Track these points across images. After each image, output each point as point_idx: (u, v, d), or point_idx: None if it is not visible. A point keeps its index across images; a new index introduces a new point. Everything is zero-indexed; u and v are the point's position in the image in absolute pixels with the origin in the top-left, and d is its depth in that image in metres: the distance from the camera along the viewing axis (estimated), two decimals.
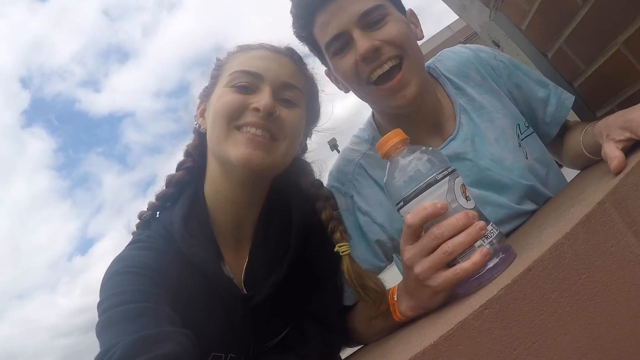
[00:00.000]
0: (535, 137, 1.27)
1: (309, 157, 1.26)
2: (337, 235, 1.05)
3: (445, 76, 1.29)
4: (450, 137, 1.20)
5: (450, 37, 25.29)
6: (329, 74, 1.26)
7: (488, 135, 1.20)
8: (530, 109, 1.30)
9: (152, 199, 1.12)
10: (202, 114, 1.14)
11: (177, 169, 1.13)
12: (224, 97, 1.02)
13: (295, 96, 1.08)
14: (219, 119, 1.01)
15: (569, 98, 1.29)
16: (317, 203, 1.12)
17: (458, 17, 1.95)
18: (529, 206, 1.18)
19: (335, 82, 1.26)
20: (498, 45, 1.76)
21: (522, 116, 1.27)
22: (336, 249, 1.03)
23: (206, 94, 1.13)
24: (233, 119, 1.00)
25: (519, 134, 1.23)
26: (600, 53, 1.18)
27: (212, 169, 1.08)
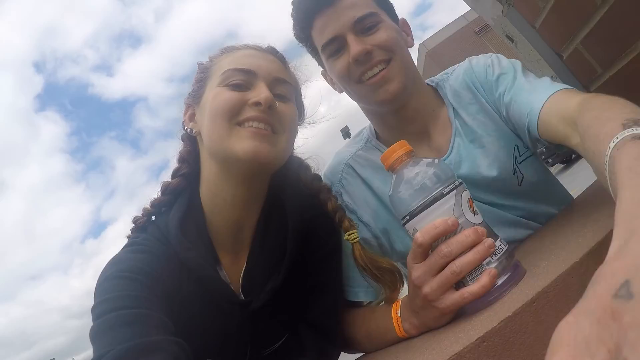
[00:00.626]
0: (534, 160, 1.21)
1: (306, 152, 1.25)
2: (346, 223, 1.08)
3: (448, 99, 1.27)
4: (443, 158, 1.20)
5: (464, 27, 25.03)
6: (324, 74, 1.32)
7: (480, 163, 1.17)
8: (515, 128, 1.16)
9: (147, 205, 1.10)
10: (191, 118, 1.12)
11: (173, 176, 1.11)
12: (220, 95, 1.00)
13: (288, 91, 1.09)
14: (219, 118, 0.99)
15: (534, 112, 1.00)
16: (321, 195, 1.14)
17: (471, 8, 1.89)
18: (526, 220, 1.19)
19: (331, 82, 1.31)
20: (512, 40, 1.70)
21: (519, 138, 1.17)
22: (346, 237, 1.05)
23: (194, 98, 1.11)
24: (233, 116, 0.98)
25: (517, 157, 1.18)
26: (619, 57, 1.11)
27: (208, 171, 1.06)
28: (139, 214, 1.09)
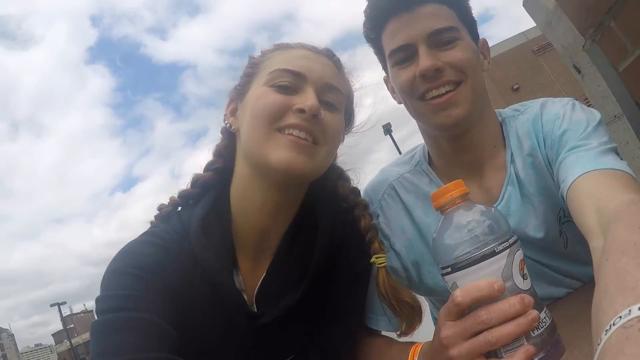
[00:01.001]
0: None
1: (346, 164, 1.17)
2: (376, 245, 1.02)
3: (509, 140, 1.14)
4: (496, 203, 1.09)
5: (523, 44, 24.34)
6: (387, 81, 1.21)
7: (528, 222, 1.07)
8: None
9: (175, 194, 1.05)
10: (233, 113, 1.06)
11: (206, 170, 1.06)
12: (265, 96, 0.94)
13: (337, 99, 1.01)
14: (260, 120, 0.93)
15: (567, 182, 0.88)
16: (356, 210, 1.07)
17: (540, 30, 1.79)
18: (568, 279, 1.10)
19: (392, 91, 1.21)
20: (579, 71, 1.59)
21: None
22: (372, 260, 1.00)
23: (239, 93, 1.04)
24: (275, 120, 0.92)
25: (562, 217, 1.07)
26: None
27: (241, 172, 1.00)
28: (166, 202, 1.05)
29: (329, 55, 1.05)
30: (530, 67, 24.03)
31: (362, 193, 1.20)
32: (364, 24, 1.13)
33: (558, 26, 1.55)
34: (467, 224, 0.68)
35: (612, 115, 1.43)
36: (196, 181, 1.04)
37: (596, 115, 1.02)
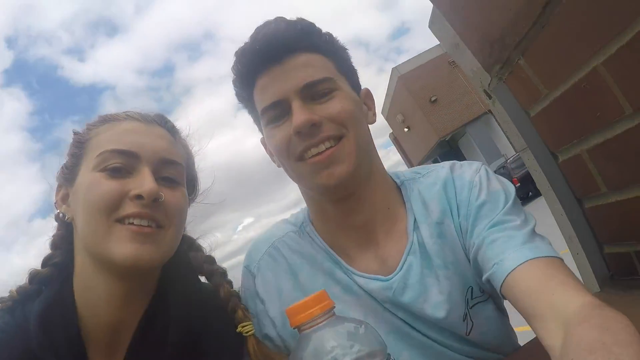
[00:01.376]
0: (488, 305, 0.98)
1: (198, 231, 1.11)
2: (239, 313, 0.98)
3: (411, 205, 1.03)
4: (393, 274, 0.97)
5: (439, 56, 25.38)
6: (264, 143, 1.12)
7: (428, 297, 0.95)
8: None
9: (14, 289, 0.94)
10: (64, 200, 0.95)
11: (43, 265, 0.96)
12: (97, 185, 0.86)
13: (177, 172, 0.95)
14: (95, 213, 0.85)
15: (502, 268, 0.81)
16: (212, 280, 1.03)
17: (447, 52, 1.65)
18: None
19: (270, 154, 1.11)
20: (490, 97, 1.44)
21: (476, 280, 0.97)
22: (239, 329, 0.95)
23: (67, 177, 0.93)
24: (112, 211, 0.85)
25: (469, 299, 0.96)
26: (634, 181, 0.83)
27: (82, 264, 0.91)
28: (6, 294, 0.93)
29: (161, 122, 0.98)
30: (447, 79, 25.07)
31: (248, 250, 1.16)
32: (234, 82, 1.04)
33: (465, 51, 1.40)
34: (330, 350, 0.56)
35: (524, 145, 1.30)
36: (34, 277, 0.93)
37: (509, 187, 0.97)
